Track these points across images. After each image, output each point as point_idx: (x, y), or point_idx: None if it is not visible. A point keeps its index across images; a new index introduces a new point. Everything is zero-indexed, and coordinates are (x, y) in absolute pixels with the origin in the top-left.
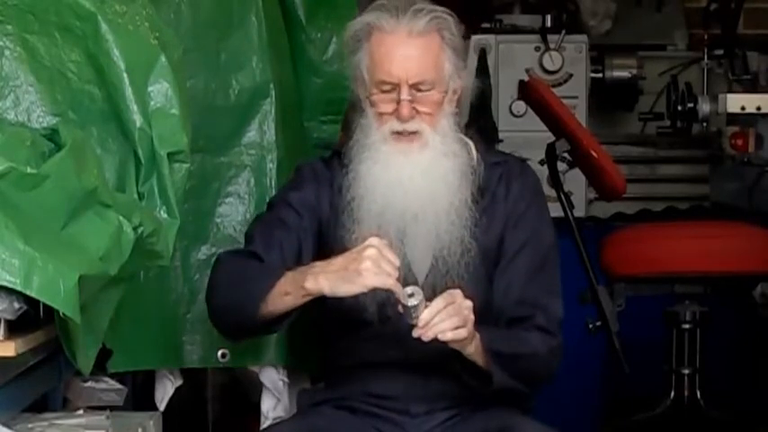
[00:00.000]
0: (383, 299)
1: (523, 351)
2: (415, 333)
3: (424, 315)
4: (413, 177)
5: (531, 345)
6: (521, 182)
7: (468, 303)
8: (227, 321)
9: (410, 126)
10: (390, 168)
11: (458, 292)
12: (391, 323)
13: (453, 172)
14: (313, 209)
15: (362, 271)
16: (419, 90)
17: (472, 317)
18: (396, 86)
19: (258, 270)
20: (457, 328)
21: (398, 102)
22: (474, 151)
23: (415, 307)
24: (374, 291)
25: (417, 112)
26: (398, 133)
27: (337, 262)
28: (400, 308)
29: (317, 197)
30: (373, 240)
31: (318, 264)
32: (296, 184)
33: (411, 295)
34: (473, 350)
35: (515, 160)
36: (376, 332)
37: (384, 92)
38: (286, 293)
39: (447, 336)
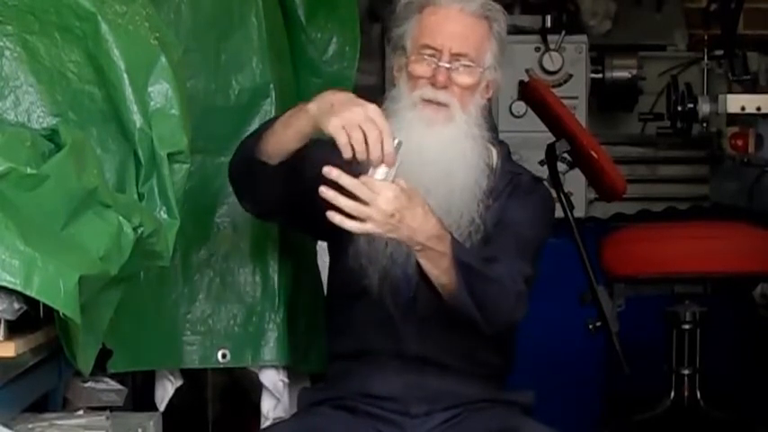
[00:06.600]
0: (385, 268)
1: (490, 274)
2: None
3: (365, 191)
4: (431, 148)
5: (497, 272)
6: (528, 194)
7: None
8: (240, 165)
9: (441, 96)
10: (411, 136)
11: (419, 200)
12: (392, 305)
13: (473, 152)
14: (321, 161)
15: (338, 112)
16: (458, 61)
17: (416, 236)
18: (437, 53)
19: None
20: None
21: (437, 67)
22: (495, 155)
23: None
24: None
25: (452, 83)
26: (428, 101)
27: (338, 98)
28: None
29: (328, 156)
30: (375, 106)
31: None
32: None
33: (397, 144)
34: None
35: (530, 175)
36: (376, 319)
37: (424, 56)
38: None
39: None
